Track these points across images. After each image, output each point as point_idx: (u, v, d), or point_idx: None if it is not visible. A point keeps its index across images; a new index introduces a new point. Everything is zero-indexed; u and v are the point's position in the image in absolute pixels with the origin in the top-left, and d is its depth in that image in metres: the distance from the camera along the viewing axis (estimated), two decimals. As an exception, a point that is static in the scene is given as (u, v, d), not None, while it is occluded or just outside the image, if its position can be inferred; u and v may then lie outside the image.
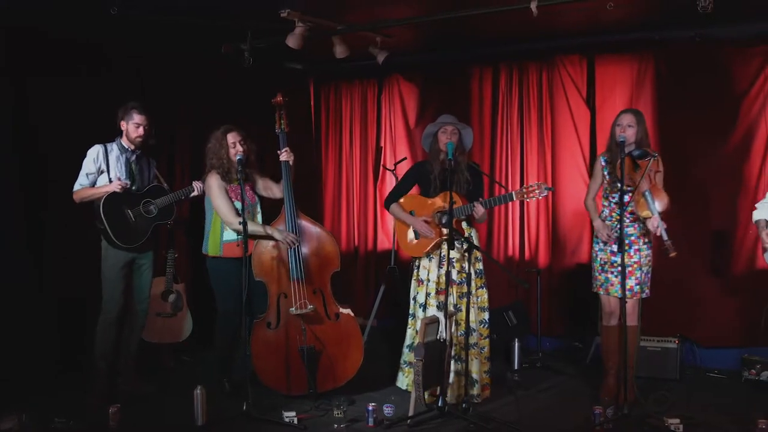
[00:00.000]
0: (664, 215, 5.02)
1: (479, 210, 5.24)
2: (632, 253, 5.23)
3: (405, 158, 7.49)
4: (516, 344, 6.31)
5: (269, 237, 5.42)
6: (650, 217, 5.00)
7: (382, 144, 7.96)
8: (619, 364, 5.38)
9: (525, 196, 5.13)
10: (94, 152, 5.36)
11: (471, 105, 7.30)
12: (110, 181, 5.36)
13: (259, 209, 5.66)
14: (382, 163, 7.87)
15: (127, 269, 5.48)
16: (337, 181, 8.25)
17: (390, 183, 7.80)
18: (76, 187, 5.36)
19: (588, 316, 6.46)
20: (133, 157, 5.48)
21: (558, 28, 6.54)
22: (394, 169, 7.33)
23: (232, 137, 5.46)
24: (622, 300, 4.89)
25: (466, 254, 5.25)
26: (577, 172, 6.80)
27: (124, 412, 4.88)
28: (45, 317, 6.04)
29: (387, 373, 6.04)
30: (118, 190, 5.30)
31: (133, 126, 5.37)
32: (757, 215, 5.12)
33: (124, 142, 5.43)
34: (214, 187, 5.44)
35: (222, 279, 5.48)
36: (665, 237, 4.87)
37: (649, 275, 5.31)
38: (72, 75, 6.18)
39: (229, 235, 5.43)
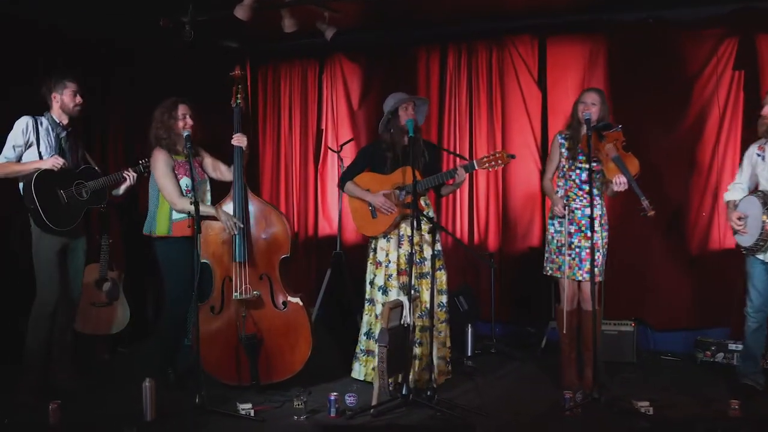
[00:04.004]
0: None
1: (462, 174, 5.10)
2: (590, 235, 5.08)
3: (352, 139, 7.25)
4: (469, 330, 6.14)
5: (215, 218, 5.11)
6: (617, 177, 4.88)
7: (324, 126, 7.65)
8: (579, 348, 5.33)
9: (487, 164, 5.02)
10: (23, 123, 4.93)
11: (418, 87, 7.08)
12: (40, 156, 4.95)
13: (208, 187, 5.36)
14: (327, 145, 7.56)
15: (62, 255, 5.08)
16: (275, 165, 7.88)
17: (332, 165, 7.54)
18: (0, 160, 4.92)
19: (540, 301, 6.37)
20: (64, 134, 5.08)
21: (508, 8, 6.45)
22: (340, 151, 7.06)
23: (183, 109, 5.13)
24: (591, 282, 4.78)
25: (427, 234, 5.10)
26: (529, 154, 6.68)
27: (64, 408, 4.49)
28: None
29: (339, 362, 5.81)
30: (54, 168, 4.90)
31: (71, 95, 5.01)
32: (728, 196, 5.08)
33: (56, 115, 5.04)
34: (159, 165, 5.10)
35: (173, 261, 5.14)
36: (642, 196, 4.77)
37: (605, 258, 5.20)
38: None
39: (179, 213, 5.12)
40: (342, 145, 7.11)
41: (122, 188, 5.34)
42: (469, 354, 6.11)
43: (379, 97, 7.07)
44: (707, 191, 6.14)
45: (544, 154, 6.63)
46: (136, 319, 6.35)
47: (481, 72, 6.92)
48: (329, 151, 7.45)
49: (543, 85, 6.70)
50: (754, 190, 4.95)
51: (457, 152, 6.87)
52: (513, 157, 5.15)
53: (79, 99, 5.04)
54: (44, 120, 5.01)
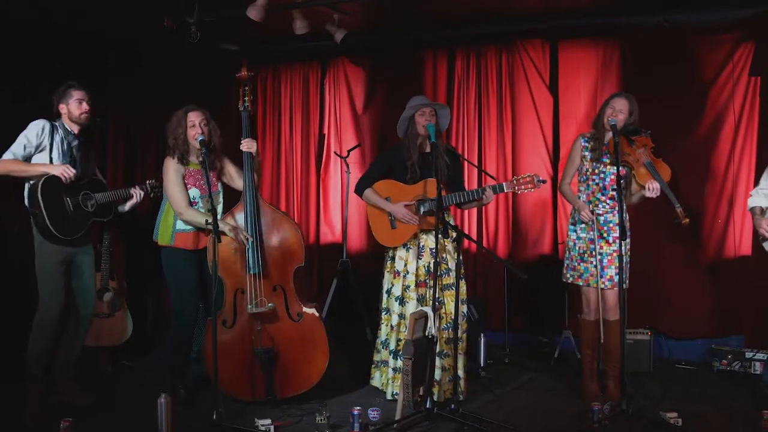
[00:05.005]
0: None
1: (490, 195, 4.93)
2: (611, 241, 4.99)
3: (359, 145, 7.10)
4: (482, 339, 6.00)
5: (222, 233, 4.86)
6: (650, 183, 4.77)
7: (326, 131, 7.50)
8: (599, 359, 5.21)
9: (516, 187, 4.86)
10: (39, 125, 4.79)
11: (424, 91, 6.91)
12: (51, 161, 4.79)
13: (221, 199, 5.15)
14: (332, 150, 7.40)
15: (66, 266, 4.90)
16: (275, 171, 7.71)
17: (335, 171, 7.40)
18: (6, 155, 4.71)
19: (552, 310, 6.27)
20: (75, 143, 4.93)
21: (519, 11, 6.35)
22: (347, 156, 6.91)
23: (193, 116, 4.95)
24: (620, 289, 4.66)
25: (451, 244, 4.95)
26: (540, 160, 6.58)
27: (76, 426, 4.22)
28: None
29: (349, 373, 5.70)
30: (62, 177, 4.73)
31: (76, 103, 4.88)
32: (752, 202, 4.97)
33: (67, 124, 4.91)
34: (169, 173, 4.95)
35: (176, 272, 4.98)
36: (676, 203, 4.67)
37: (628, 265, 5.05)
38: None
39: (183, 224, 4.96)
40: (349, 151, 6.96)
41: (128, 205, 5.26)
42: (482, 364, 5.97)
43: (384, 102, 7.01)
44: (723, 198, 6.07)
45: (555, 160, 6.54)
46: (139, 329, 6.14)
47: (490, 76, 6.82)
48: (334, 156, 7.30)
49: (555, 90, 6.60)
50: None
51: (468, 158, 6.73)
52: (544, 182, 4.94)
53: (85, 107, 4.91)
54: (59, 127, 4.89)
